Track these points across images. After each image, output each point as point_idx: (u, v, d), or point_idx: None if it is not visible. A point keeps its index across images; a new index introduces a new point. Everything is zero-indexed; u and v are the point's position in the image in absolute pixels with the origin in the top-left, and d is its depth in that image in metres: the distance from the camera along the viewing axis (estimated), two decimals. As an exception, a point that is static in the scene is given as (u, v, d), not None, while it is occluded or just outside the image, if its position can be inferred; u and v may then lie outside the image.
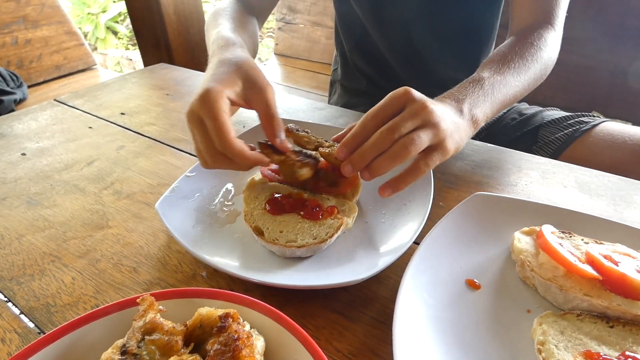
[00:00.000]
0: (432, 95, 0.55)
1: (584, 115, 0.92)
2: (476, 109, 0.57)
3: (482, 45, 1.00)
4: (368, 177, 0.49)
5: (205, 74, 0.55)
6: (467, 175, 0.69)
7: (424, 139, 0.47)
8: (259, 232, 0.52)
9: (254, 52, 0.78)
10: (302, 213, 0.53)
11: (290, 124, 0.58)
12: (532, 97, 1.78)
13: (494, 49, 1.02)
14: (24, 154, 0.77)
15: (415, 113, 0.47)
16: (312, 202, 0.54)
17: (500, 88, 0.62)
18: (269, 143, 0.53)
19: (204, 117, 0.49)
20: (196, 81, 1.11)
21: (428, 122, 0.47)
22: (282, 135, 0.53)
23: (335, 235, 0.51)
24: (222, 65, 0.53)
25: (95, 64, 2.23)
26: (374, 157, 0.48)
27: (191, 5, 1.78)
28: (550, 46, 0.73)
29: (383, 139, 0.47)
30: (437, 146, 0.49)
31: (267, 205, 0.55)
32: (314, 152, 0.57)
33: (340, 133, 0.56)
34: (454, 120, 0.52)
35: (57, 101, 0.99)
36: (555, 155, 0.90)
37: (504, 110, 1.07)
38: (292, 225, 0.52)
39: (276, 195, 0.57)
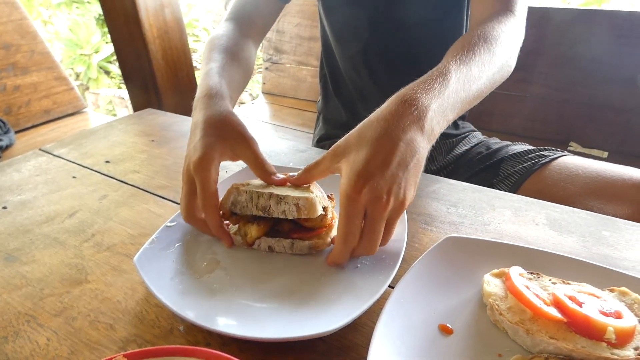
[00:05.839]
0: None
1: (546, 149, 0.95)
2: (436, 123, 0.53)
3: None
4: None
5: (195, 128, 0.61)
6: (442, 216, 0.71)
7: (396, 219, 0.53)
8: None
9: (244, 82, 0.83)
10: None
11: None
12: (511, 128, 1.85)
13: None
14: (5, 207, 0.77)
15: (380, 214, 0.50)
16: None
17: (465, 83, 0.58)
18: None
19: (197, 181, 0.57)
20: (183, 126, 1.14)
21: (395, 209, 0.51)
22: (278, 175, 0.60)
23: None
24: (209, 126, 0.59)
25: (85, 108, 2.26)
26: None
27: (179, 50, 1.84)
28: (511, 30, 0.70)
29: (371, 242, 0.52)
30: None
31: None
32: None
33: (294, 175, 0.61)
34: (411, 163, 0.50)
35: (42, 150, 1.01)
36: (514, 188, 0.92)
37: (471, 145, 1.10)
38: None
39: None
